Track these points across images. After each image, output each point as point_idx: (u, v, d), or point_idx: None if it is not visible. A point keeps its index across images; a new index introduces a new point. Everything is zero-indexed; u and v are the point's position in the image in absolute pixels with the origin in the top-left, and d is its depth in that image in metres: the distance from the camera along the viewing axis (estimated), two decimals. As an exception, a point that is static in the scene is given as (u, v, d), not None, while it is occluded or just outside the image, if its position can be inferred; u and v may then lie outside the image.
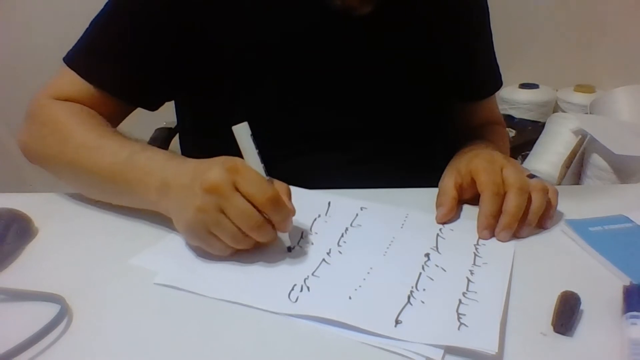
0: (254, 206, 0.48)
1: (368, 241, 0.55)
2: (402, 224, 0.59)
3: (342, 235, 0.56)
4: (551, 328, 0.43)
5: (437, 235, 0.57)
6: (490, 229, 0.56)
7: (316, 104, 0.70)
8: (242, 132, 0.50)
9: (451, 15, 0.74)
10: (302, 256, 0.53)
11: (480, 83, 0.84)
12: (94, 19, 0.68)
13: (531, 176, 0.59)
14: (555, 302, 0.45)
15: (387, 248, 0.54)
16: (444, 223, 0.59)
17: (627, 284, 0.47)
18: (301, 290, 0.47)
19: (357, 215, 0.60)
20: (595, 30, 1.82)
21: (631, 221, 0.59)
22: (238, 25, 0.66)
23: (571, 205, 0.60)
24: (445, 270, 0.50)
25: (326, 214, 0.60)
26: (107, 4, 0.67)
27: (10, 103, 1.72)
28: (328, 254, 0.53)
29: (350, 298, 0.46)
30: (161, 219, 0.56)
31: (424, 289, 0.47)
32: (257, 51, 0.67)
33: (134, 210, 0.59)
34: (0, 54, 1.66)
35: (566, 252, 0.55)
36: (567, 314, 0.44)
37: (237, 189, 0.48)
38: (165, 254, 0.53)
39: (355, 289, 0.47)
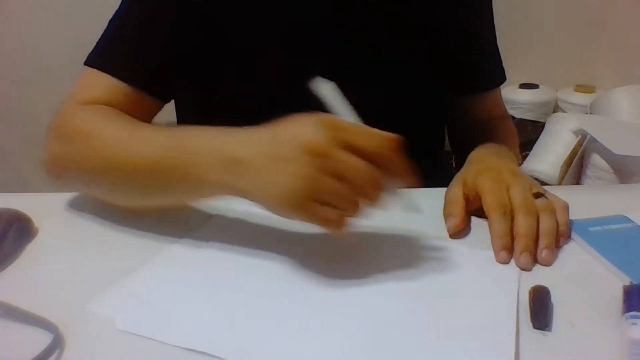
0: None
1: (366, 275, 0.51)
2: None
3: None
4: (531, 325, 0.44)
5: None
6: (507, 249, 0.53)
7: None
8: (330, 89, 0.45)
9: (457, 3, 0.74)
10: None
11: (485, 73, 0.84)
12: (111, 20, 0.67)
13: (537, 195, 0.57)
14: (527, 299, 0.46)
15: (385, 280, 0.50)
16: (454, 234, 0.57)
17: (627, 284, 0.47)
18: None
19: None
20: (595, 30, 1.82)
21: (631, 221, 0.59)
22: (252, 15, 0.66)
23: (571, 205, 0.60)
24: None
25: None
26: (122, 3, 0.67)
27: (10, 103, 1.72)
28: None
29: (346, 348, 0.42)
30: (165, 222, 0.56)
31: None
32: (269, 42, 0.67)
33: (137, 212, 0.58)
34: (0, 54, 1.66)
35: (566, 252, 0.55)
36: (541, 309, 0.44)
37: (345, 147, 0.43)
38: (129, 294, 0.48)
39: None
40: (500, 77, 0.87)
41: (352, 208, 0.45)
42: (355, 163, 0.43)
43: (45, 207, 0.62)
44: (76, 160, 0.57)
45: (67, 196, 0.64)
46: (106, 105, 0.62)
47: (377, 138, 0.44)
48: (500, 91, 0.90)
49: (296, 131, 0.45)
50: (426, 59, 0.73)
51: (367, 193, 0.44)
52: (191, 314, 0.46)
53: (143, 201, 0.57)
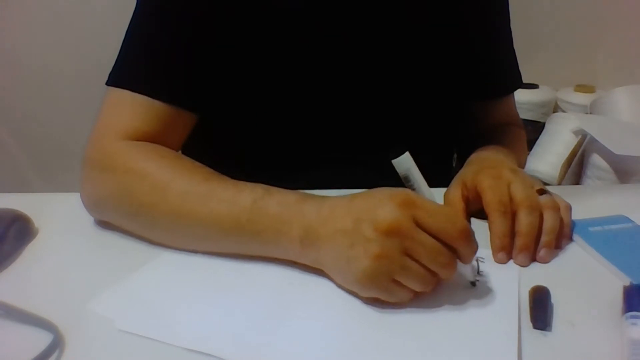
0: (440, 241, 0.44)
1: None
2: None
3: None
4: (530, 325, 0.44)
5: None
6: (505, 250, 0.53)
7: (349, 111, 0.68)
8: (406, 162, 0.47)
9: (474, 5, 0.72)
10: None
11: (503, 78, 0.82)
12: (128, 32, 0.61)
13: (541, 192, 0.57)
14: (527, 299, 0.46)
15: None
16: None
17: (627, 284, 0.47)
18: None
19: None
20: (595, 30, 1.82)
21: (631, 221, 0.59)
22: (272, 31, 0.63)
23: (571, 205, 0.60)
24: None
25: None
26: (138, 15, 0.61)
27: (11, 103, 1.73)
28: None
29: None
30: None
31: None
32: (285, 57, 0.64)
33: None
34: (0, 54, 1.66)
35: (566, 252, 0.55)
36: (541, 309, 0.45)
37: (418, 225, 0.44)
38: (129, 294, 0.48)
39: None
40: (517, 82, 0.84)
41: (424, 284, 0.45)
42: (430, 244, 0.44)
43: (45, 207, 0.62)
44: (132, 205, 0.54)
45: (67, 196, 0.64)
46: (147, 131, 0.58)
47: (452, 220, 0.45)
48: (513, 97, 0.87)
49: (374, 210, 0.45)
50: (446, 62, 0.71)
51: (440, 272, 0.45)
52: (191, 314, 0.46)
53: (197, 247, 0.54)
